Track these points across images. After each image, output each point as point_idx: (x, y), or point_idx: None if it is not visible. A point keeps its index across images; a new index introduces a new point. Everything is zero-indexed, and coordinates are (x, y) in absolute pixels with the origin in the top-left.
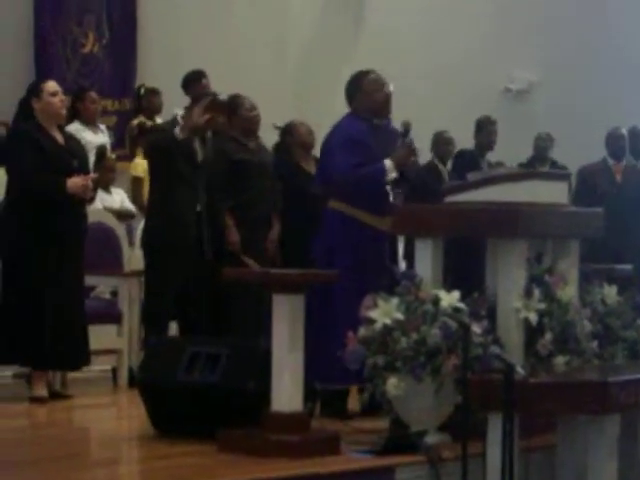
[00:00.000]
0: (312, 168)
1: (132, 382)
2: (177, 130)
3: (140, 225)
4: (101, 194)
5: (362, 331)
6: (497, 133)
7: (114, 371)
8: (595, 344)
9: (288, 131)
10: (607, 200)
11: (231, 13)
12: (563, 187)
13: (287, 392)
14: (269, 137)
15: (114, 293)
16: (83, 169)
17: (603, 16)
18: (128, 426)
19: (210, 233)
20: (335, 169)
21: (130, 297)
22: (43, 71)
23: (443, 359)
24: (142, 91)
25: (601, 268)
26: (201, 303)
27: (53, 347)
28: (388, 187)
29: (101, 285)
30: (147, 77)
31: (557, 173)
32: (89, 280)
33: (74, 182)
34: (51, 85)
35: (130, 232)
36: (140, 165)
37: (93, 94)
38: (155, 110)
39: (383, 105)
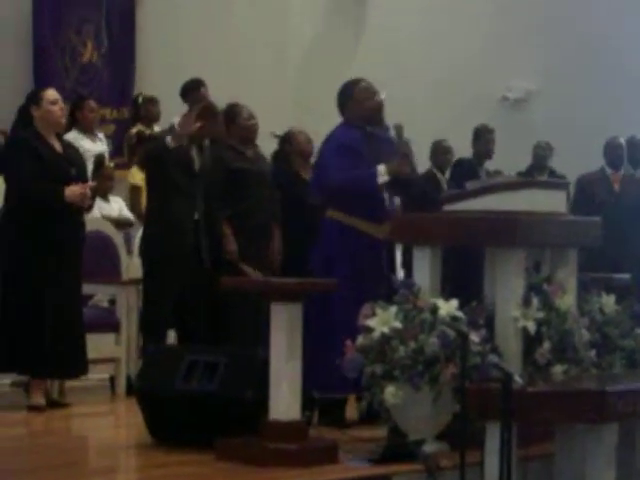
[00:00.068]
0: (311, 177)
1: (130, 390)
2: (169, 139)
3: (138, 233)
4: (99, 202)
5: (360, 340)
6: (495, 141)
7: (112, 379)
8: (593, 353)
9: (287, 139)
10: (605, 209)
11: (230, 21)
12: (561, 196)
13: (285, 401)
14: (267, 145)
15: (112, 301)
16: (81, 177)
17: (602, 25)
18: (126, 435)
19: (208, 242)
20: (327, 175)
21: (128, 305)
22: (42, 79)
23: (441, 368)
24: (140, 100)
25: (599, 277)
26: (199, 312)
27: (51, 355)
28: (385, 194)
29: (99, 293)
30: (146, 86)
31: (555, 182)
32: (87, 288)
33: (72, 190)
34: (51, 93)
35: (128, 240)
36: (138, 174)
37: (92, 103)
38: (153, 118)
39: (375, 113)
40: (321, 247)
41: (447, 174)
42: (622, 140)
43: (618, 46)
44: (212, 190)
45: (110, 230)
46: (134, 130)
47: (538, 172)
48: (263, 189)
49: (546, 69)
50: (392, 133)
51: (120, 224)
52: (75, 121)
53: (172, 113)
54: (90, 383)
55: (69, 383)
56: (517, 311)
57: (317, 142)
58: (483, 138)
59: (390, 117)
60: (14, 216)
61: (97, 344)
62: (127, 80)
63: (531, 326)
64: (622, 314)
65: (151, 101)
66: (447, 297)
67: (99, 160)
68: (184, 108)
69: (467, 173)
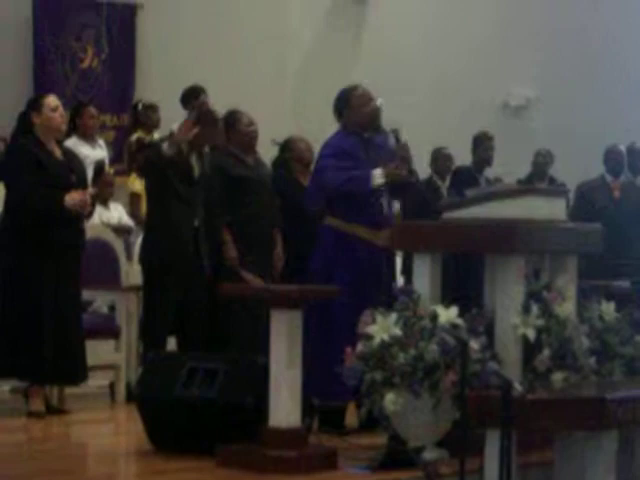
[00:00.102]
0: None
1: (130, 397)
2: (165, 146)
3: (138, 240)
4: (99, 209)
5: (360, 347)
6: (494, 149)
7: (112, 386)
8: (593, 360)
9: (287, 147)
10: (605, 216)
11: (230, 29)
12: (561, 203)
13: (285, 408)
14: (267, 152)
15: (112, 308)
16: (81, 184)
17: (603, 33)
18: (126, 441)
19: (208, 248)
20: (324, 176)
21: (128, 312)
22: (42, 86)
23: (441, 375)
24: (140, 107)
25: (599, 284)
26: (199, 318)
27: (51, 362)
28: (383, 200)
29: (99, 300)
30: (146, 92)
31: (555, 189)
32: (87, 295)
33: (72, 197)
34: (52, 100)
35: (128, 247)
36: (137, 180)
37: (92, 109)
38: (153, 125)
39: (371, 119)
40: (320, 254)
41: (447, 181)
42: (622, 147)
43: (618, 53)
44: (212, 197)
45: (110, 237)
46: (134, 137)
47: (538, 180)
48: (263, 196)
49: (546, 76)
50: (392, 140)
51: (120, 230)
52: (75, 127)
53: (172, 120)
54: (90, 390)
55: (69, 390)
56: (517, 318)
57: (317, 149)
58: (482, 145)
59: (391, 124)
60: (14, 222)
61: (97, 351)
62: (127, 87)
63: (531, 333)
64: (622, 321)
65: (151, 108)
66: (447, 304)
67: (99, 166)
68: (184, 115)
69: (467, 180)
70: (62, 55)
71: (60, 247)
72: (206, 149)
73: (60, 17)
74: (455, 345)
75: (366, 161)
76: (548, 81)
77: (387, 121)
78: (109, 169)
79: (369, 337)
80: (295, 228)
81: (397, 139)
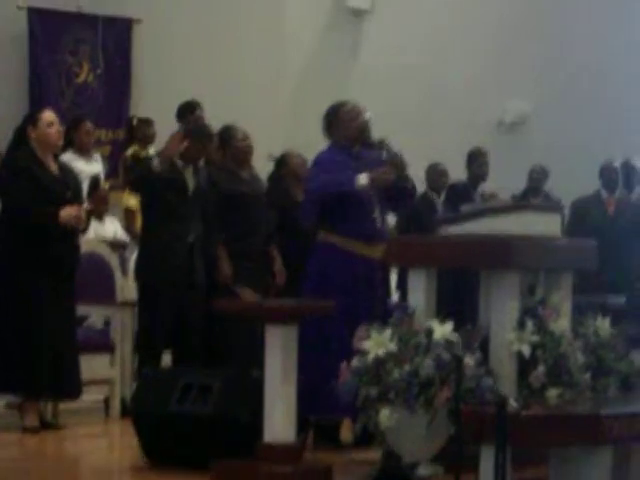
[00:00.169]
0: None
1: (124, 412)
2: (155, 162)
3: (133, 255)
4: (94, 223)
5: (355, 362)
6: (489, 164)
7: (106, 401)
8: (588, 376)
9: (282, 162)
10: (599, 232)
11: (225, 44)
12: (556, 219)
13: (280, 423)
14: (263, 167)
15: (107, 323)
16: (77, 199)
17: (599, 49)
18: (120, 457)
19: (203, 264)
20: (311, 185)
21: (123, 327)
22: (37, 101)
23: (436, 391)
24: (135, 121)
25: (594, 300)
26: (195, 333)
27: (45, 376)
28: (375, 214)
29: (94, 315)
30: (141, 107)
31: (550, 205)
32: (82, 310)
33: (67, 212)
34: (48, 115)
35: (123, 262)
36: (133, 195)
37: (88, 124)
38: (148, 140)
39: (360, 132)
40: (315, 268)
41: (442, 197)
42: (617, 163)
43: (613, 70)
44: (208, 212)
45: (105, 251)
46: (129, 151)
47: (533, 196)
48: (258, 211)
49: (542, 92)
50: (384, 155)
51: (115, 245)
52: (71, 142)
53: (167, 135)
54: (84, 405)
55: (63, 405)
56: (512, 334)
57: None
58: (477, 161)
59: (380, 135)
60: (8, 237)
61: (92, 366)
62: (123, 101)
63: (526, 349)
64: (617, 337)
65: (146, 122)
66: (442, 320)
67: (94, 181)
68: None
69: (462, 196)
70: (58, 70)
71: (55, 262)
72: (201, 163)
73: (56, 32)
74: (450, 361)
75: (356, 173)
76: (543, 97)
77: (378, 134)
78: (104, 184)
79: (364, 352)
80: (290, 243)
81: (388, 150)
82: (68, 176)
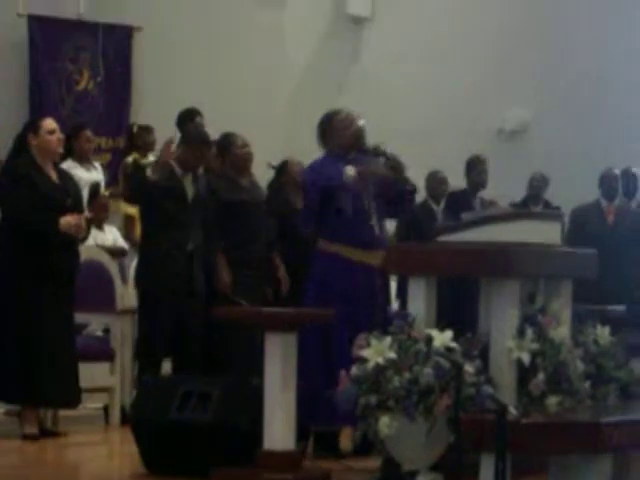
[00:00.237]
0: None
1: (124, 420)
2: (149, 171)
3: (133, 263)
4: (94, 231)
5: (354, 370)
6: (488, 172)
7: (106, 409)
8: (588, 384)
9: (283, 170)
10: (599, 241)
11: (225, 51)
12: (556, 227)
13: (279, 431)
14: (263, 175)
15: (106, 331)
16: (77, 207)
17: (599, 57)
18: (120, 464)
19: (202, 272)
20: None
21: (122, 335)
22: (38, 108)
23: (436, 398)
24: (135, 129)
25: (594, 309)
26: (195, 341)
27: (44, 384)
28: (373, 222)
29: (93, 322)
30: (141, 115)
31: (550, 213)
32: (81, 318)
33: (67, 221)
34: (49, 123)
35: (123, 269)
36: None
37: (88, 132)
38: (148, 148)
39: (355, 139)
40: (314, 276)
41: (442, 205)
42: (617, 171)
43: (614, 77)
44: (207, 220)
45: (105, 259)
46: (130, 159)
47: (533, 204)
48: (258, 219)
49: (542, 100)
50: (381, 161)
51: (114, 253)
52: (71, 150)
53: None
54: (84, 412)
55: (63, 412)
56: (511, 342)
57: None
58: (476, 169)
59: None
60: (8, 245)
61: (91, 373)
62: (123, 109)
63: (525, 357)
64: (617, 346)
65: (146, 130)
66: (442, 328)
67: (94, 188)
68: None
69: (461, 204)
70: (58, 77)
71: (54, 270)
72: (200, 171)
73: (56, 39)
74: (450, 369)
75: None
76: (543, 105)
77: (377, 142)
78: (104, 192)
79: (364, 360)
80: (291, 250)
81: (385, 155)
82: (68, 183)
